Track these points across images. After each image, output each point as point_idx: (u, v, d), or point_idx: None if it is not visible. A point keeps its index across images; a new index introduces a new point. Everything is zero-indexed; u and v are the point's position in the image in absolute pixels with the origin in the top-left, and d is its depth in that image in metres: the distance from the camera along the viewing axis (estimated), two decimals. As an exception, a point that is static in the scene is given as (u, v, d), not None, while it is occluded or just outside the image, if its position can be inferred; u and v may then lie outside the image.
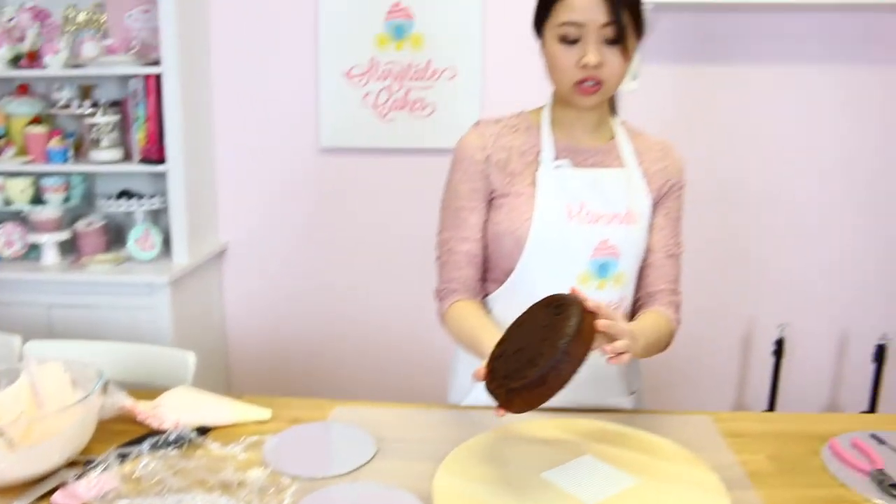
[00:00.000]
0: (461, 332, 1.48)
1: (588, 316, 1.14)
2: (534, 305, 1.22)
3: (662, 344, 1.48)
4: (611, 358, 1.18)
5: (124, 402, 1.43)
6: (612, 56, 1.38)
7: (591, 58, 1.36)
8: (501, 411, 1.15)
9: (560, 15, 1.38)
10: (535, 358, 1.10)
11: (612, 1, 1.35)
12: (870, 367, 2.77)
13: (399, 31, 2.76)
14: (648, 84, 2.76)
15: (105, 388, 1.39)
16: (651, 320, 1.48)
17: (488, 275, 1.56)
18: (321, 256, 3.01)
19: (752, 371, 3.00)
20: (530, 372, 1.09)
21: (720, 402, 3.04)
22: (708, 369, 3.00)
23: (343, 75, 2.81)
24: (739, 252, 2.87)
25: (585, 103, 1.44)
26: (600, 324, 1.16)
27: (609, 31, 1.36)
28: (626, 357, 1.19)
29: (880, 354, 2.73)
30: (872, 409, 2.79)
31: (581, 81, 1.40)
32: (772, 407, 2.85)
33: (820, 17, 2.70)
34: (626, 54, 1.40)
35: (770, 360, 2.81)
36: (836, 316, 2.94)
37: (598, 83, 1.40)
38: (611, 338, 1.19)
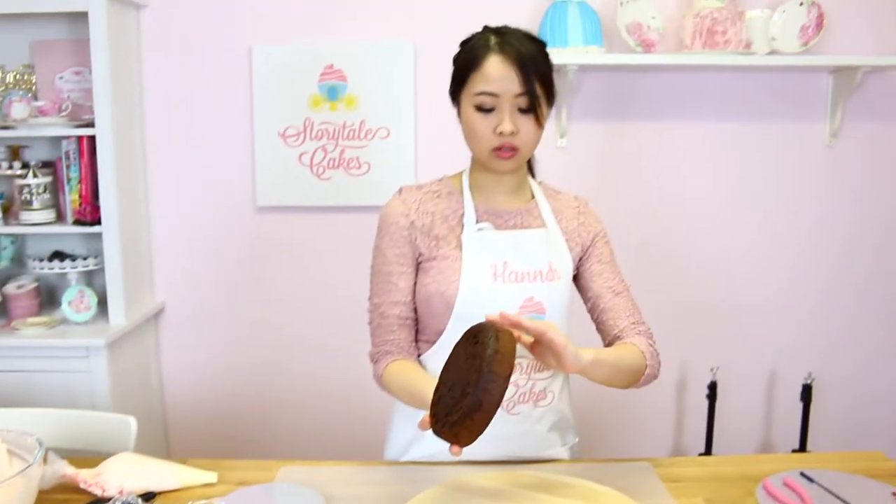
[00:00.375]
0: (401, 389, 1.51)
1: (503, 334, 1.19)
2: (455, 344, 1.27)
3: (634, 367, 1.48)
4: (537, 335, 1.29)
5: (65, 470, 1.40)
6: (526, 123, 1.46)
7: (507, 126, 1.44)
8: (455, 448, 1.18)
9: (476, 85, 1.46)
10: (466, 387, 1.15)
11: (524, 73, 1.43)
12: (798, 407, 2.86)
13: (333, 93, 2.80)
14: (576, 141, 2.86)
15: (45, 458, 1.36)
16: (613, 347, 1.53)
17: (420, 336, 1.60)
18: (259, 314, 2.99)
19: (687, 415, 3.08)
20: (464, 401, 1.14)
21: (659, 447, 3.10)
22: (645, 415, 3.06)
23: (278, 136, 2.83)
24: (669, 300, 2.95)
25: (502, 168, 1.51)
26: (526, 323, 1.27)
27: (522, 101, 1.44)
28: (556, 333, 1.28)
29: (806, 394, 2.83)
30: (803, 446, 2.88)
31: (498, 148, 1.47)
32: (709, 449, 2.91)
33: (738, 76, 2.85)
34: (539, 121, 1.47)
35: (705, 404, 2.88)
36: (764, 358, 3.04)
37: (514, 149, 1.47)
38: (554, 351, 1.29)
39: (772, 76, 2.86)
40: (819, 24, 2.69)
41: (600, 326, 1.61)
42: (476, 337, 1.21)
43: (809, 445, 2.89)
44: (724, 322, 3.01)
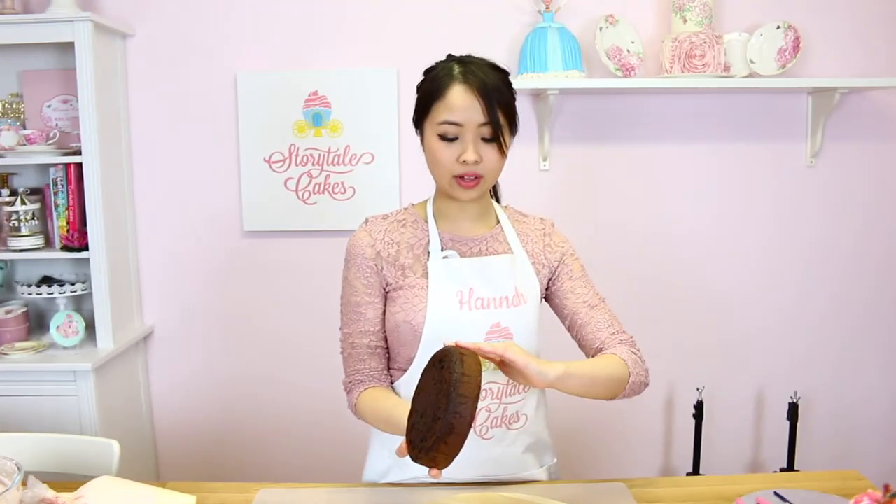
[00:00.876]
0: (377, 417, 1.52)
1: (468, 357, 1.21)
2: (423, 371, 1.29)
3: (613, 376, 1.46)
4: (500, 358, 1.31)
5: (45, 494, 1.41)
6: (490, 152, 1.48)
7: (470, 155, 1.46)
8: (434, 472, 1.20)
9: (440, 114, 1.48)
10: (437, 412, 1.17)
11: (488, 103, 1.45)
12: (785, 425, 2.87)
13: (317, 119, 2.84)
14: (558, 164, 2.89)
15: (24, 482, 1.38)
16: (589, 359, 1.53)
17: (392, 364, 1.62)
18: (246, 338, 3.00)
19: (675, 435, 3.08)
20: (436, 426, 1.16)
21: (648, 467, 3.10)
22: (633, 436, 3.07)
23: (264, 161, 2.86)
24: (652, 320, 2.97)
25: (465, 196, 1.52)
26: (484, 348, 1.29)
27: (486, 130, 1.47)
28: (514, 353, 1.30)
29: (792, 412, 2.84)
30: (791, 464, 2.89)
31: (460, 176, 1.49)
32: (696, 469, 2.91)
33: (718, 99, 2.89)
34: (502, 150, 1.49)
35: (692, 424, 2.89)
36: (751, 377, 3.05)
37: (478, 177, 1.49)
38: (515, 369, 1.31)
39: (751, 98, 2.90)
40: (796, 47, 2.74)
41: (581, 342, 1.59)
42: (441, 362, 1.23)
43: (799, 464, 2.89)
44: (710, 341, 3.02)
